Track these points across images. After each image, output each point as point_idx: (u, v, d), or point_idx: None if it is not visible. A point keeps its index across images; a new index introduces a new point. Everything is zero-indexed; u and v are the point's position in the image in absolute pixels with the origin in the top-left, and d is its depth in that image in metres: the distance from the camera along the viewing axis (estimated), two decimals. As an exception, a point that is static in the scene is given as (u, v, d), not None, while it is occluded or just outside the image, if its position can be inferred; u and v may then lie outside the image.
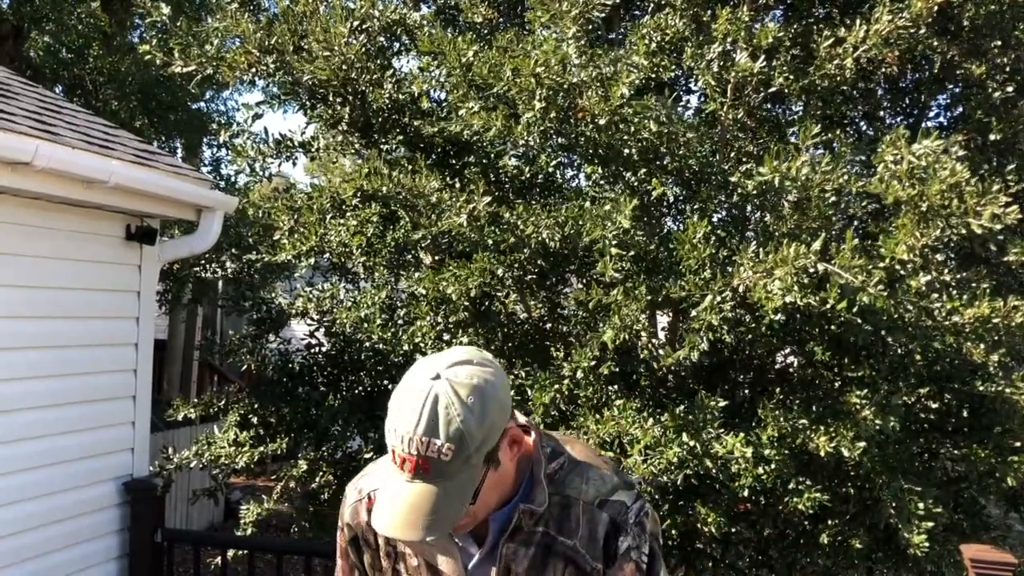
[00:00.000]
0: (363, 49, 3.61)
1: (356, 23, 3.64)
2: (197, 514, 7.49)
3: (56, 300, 3.36)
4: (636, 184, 3.36)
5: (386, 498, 1.20)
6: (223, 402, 4.33)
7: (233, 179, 9.92)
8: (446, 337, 3.61)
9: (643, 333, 3.27)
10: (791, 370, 3.65)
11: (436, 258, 3.81)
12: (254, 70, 3.64)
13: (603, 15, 3.20)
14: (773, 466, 2.89)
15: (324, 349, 4.21)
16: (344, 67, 3.55)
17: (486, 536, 1.33)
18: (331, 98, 3.78)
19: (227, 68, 3.64)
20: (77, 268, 3.46)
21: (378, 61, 3.77)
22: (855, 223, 3.65)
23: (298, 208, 3.84)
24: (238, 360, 4.33)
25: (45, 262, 3.30)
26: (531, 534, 1.30)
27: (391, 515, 1.18)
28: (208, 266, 8.57)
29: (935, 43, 3.28)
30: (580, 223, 3.01)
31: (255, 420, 4.11)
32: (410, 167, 3.31)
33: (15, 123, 3.02)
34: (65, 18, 8.45)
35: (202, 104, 11.41)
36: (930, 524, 2.89)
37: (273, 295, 4.41)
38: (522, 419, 1.33)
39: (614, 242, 2.92)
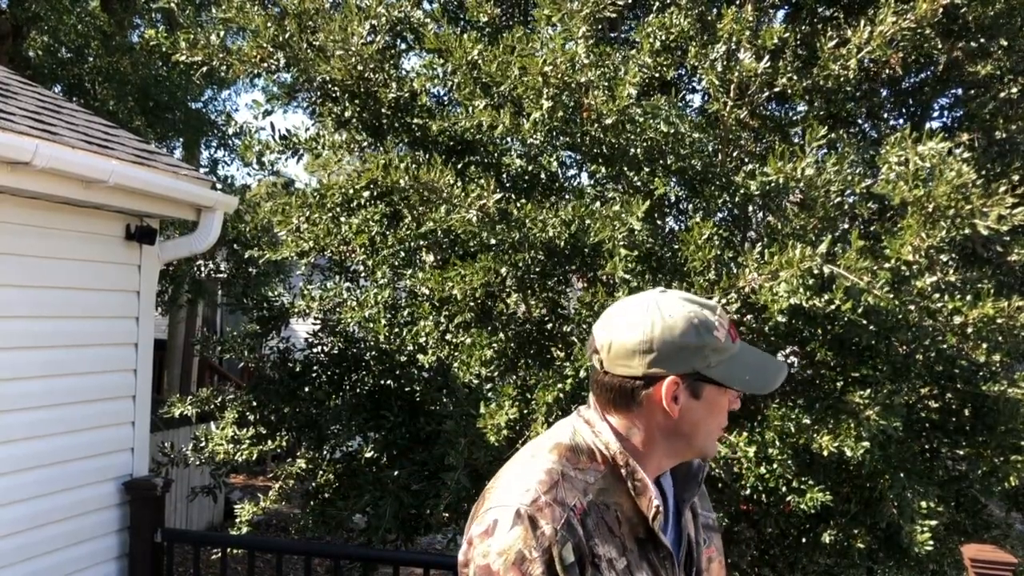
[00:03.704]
0: (378, 49, 3.60)
1: (371, 22, 3.62)
2: (197, 514, 7.47)
3: (56, 300, 3.34)
4: (639, 184, 3.36)
5: (753, 361, 1.20)
6: (219, 399, 4.31)
7: (231, 179, 9.92)
8: (448, 337, 3.59)
9: (647, 333, 3.25)
10: (793, 370, 3.65)
11: (439, 257, 3.79)
12: (265, 64, 3.62)
13: (613, 15, 3.19)
14: (776, 466, 2.89)
15: (326, 348, 4.20)
16: (359, 67, 3.54)
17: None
18: (341, 96, 3.77)
19: (237, 61, 3.62)
20: (77, 268, 3.44)
21: (391, 61, 3.76)
22: (857, 222, 3.65)
23: (309, 204, 3.83)
24: (236, 356, 4.31)
25: (45, 262, 3.28)
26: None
27: (775, 363, 1.21)
28: (204, 266, 8.55)
29: (940, 44, 3.27)
30: (587, 222, 3.01)
31: (255, 418, 4.09)
32: (415, 164, 3.30)
33: (14, 123, 3.00)
34: (64, 17, 8.41)
35: (200, 104, 11.38)
36: (932, 523, 2.89)
37: (277, 294, 4.39)
38: None
39: (623, 243, 2.91)
